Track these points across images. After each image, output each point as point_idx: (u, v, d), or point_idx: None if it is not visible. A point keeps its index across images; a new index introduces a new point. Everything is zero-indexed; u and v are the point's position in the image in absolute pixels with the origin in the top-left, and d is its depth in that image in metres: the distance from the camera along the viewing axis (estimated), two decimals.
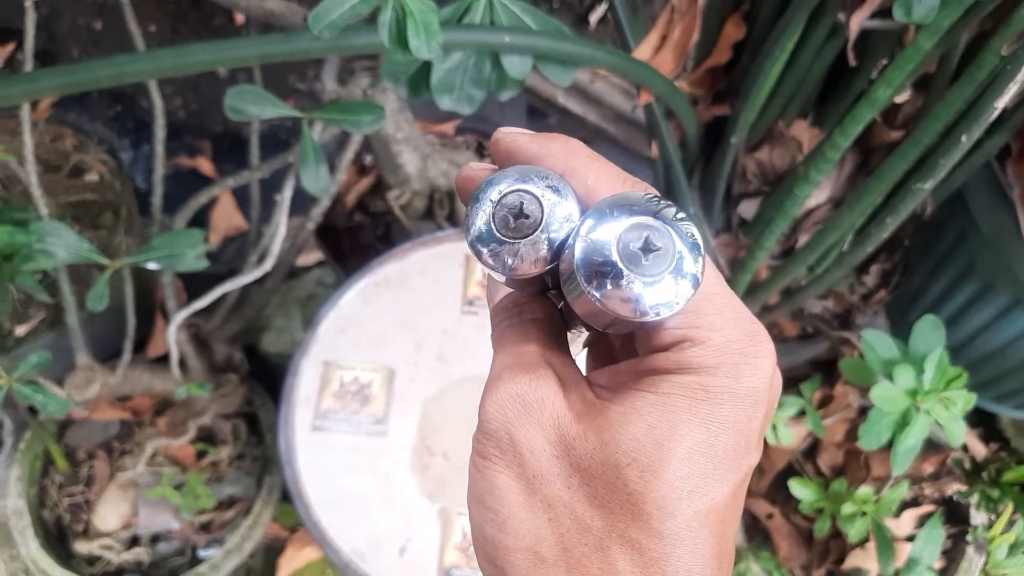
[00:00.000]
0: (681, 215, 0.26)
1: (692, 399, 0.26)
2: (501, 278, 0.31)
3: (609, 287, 0.26)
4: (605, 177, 0.29)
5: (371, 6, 0.57)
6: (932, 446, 1.03)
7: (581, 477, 0.27)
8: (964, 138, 0.71)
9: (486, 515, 0.28)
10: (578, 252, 0.26)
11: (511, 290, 0.34)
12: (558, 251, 0.28)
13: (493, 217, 0.28)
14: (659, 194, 0.27)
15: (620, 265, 0.26)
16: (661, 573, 0.26)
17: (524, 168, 0.28)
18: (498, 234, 0.28)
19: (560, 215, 0.27)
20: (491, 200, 0.28)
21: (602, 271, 0.26)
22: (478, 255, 0.28)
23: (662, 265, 0.25)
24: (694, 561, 0.26)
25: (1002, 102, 0.68)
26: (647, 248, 0.26)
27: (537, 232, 0.27)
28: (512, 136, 0.30)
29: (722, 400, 0.26)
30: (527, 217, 0.28)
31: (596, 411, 0.28)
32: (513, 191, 0.28)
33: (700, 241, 0.26)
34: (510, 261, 0.28)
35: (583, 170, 0.29)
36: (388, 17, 0.58)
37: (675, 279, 0.25)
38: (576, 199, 0.28)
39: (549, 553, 0.27)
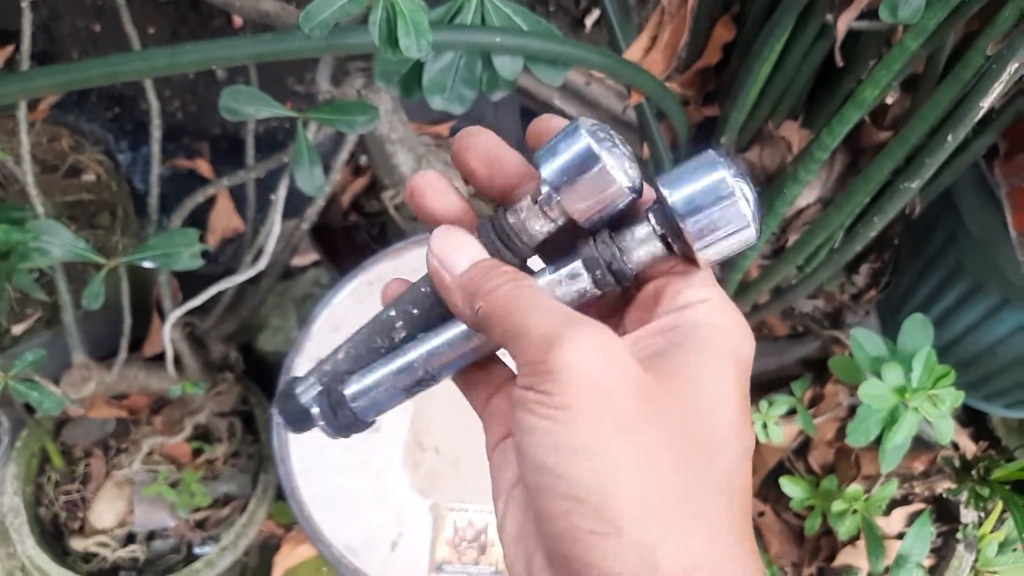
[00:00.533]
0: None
1: (725, 356, 0.30)
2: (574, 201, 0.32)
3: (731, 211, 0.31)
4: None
5: (362, 5, 0.58)
6: (922, 445, 1.04)
7: (664, 425, 0.27)
8: (950, 137, 0.72)
9: (591, 465, 0.26)
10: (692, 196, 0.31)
11: (472, 261, 0.33)
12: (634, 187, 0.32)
13: (591, 137, 0.31)
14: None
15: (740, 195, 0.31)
16: (742, 508, 0.28)
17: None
18: (598, 150, 0.31)
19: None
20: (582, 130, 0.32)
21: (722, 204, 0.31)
22: (569, 167, 0.31)
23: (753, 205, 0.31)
24: (746, 491, 0.29)
25: (987, 101, 0.69)
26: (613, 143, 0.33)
27: (622, 153, 0.32)
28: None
29: (741, 345, 0.31)
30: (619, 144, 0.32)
31: (650, 364, 0.29)
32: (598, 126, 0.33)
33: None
34: (626, 165, 0.32)
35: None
36: (378, 16, 0.59)
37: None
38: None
39: (661, 498, 0.26)
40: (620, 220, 0.33)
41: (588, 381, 0.27)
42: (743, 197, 0.30)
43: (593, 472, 0.26)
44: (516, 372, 0.29)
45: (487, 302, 0.31)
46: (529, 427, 0.28)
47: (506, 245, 0.34)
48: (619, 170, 0.31)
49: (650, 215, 0.32)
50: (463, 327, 0.34)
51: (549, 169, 0.31)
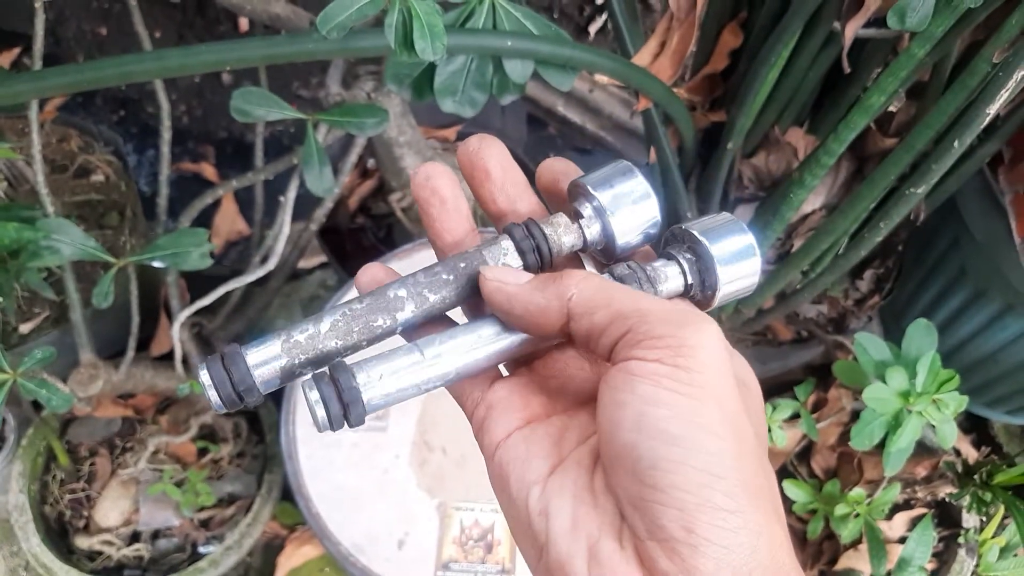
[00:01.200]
0: None
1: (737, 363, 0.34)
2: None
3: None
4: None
5: (378, 7, 0.59)
6: (924, 450, 1.05)
7: (748, 418, 0.30)
8: (956, 144, 0.72)
9: (722, 445, 0.27)
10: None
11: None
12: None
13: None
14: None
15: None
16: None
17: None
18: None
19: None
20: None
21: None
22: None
23: None
24: None
25: (993, 108, 0.69)
26: None
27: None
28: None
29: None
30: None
31: None
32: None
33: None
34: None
35: None
36: (395, 19, 0.59)
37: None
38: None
39: (753, 471, 0.28)
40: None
41: (721, 365, 0.29)
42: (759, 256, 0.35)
43: (729, 451, 0.27)
44: (628, 350, 0.29)
45: (580, 290, 0.31)
46: (664, 402, 0.28)
47: (537, 247, 0.35)
48: (659, 208, 0.35)
49: (679, 257, 0.35)
50: (496, 327, 0.34)
51: (604, 195, 0.35)
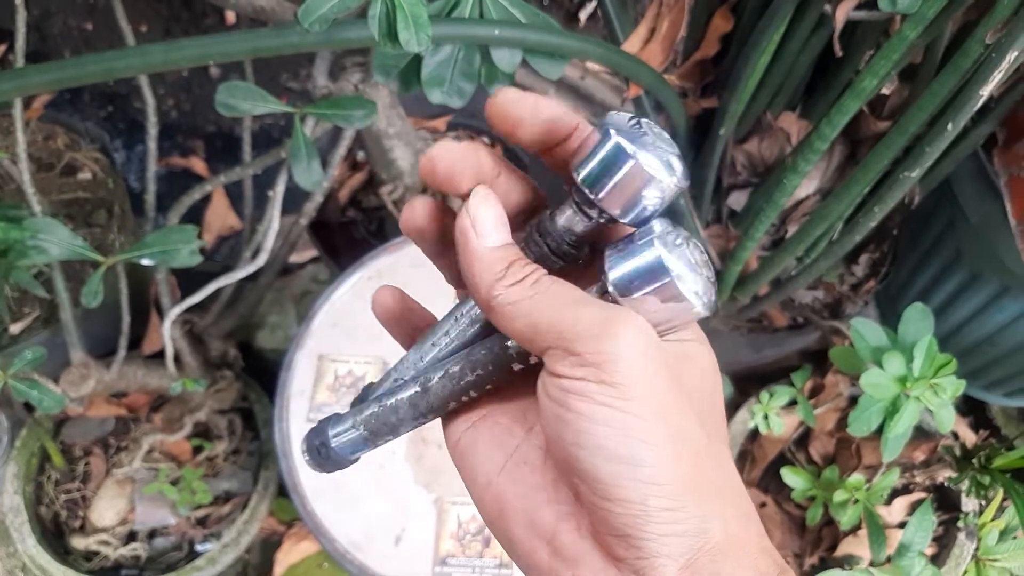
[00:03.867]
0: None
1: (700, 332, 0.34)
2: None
3: (685, 283, 0.30)
4: None
5: None
6: (923, 434, 1.04)
7: (687, 400, 0.30)
8: (950, 126, 0.71)
9: (661, 453, 0.28)
10: (663, 252, 0.30)
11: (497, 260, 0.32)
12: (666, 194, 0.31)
13: (625, 134, 0.30)
14: None
15: (692, 264, 0.31)
16: (730, 473, 0.31)
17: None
18: (631, 146, 0.30)
19: (673, 149, 0.32)
20: (632, 121, 0.31)
21: (680, 266, 0.30)
22: (611, 161, 0.30)
23: (709, 272, 0.32)
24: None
25: (987, 90, 0.68)
26: (699, 257, 0.32)
27: (668, 152, 0.31)
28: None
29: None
30: (659, 135, 0.31)
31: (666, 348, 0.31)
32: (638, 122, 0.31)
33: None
34: (655, 160, 0.30)
35: None
36: (378, 10, 0.58)
37: (711, 285, 0.32)
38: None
39: (704, 471, 0.29)
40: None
41: (646, 368, 0.28)
42: (686, 274, 0.30)
43: (670, 459, 0.28)
44: (554, 366, 0.29)
45: (517, 291, 0.31)
46: (600, 419, 0.28)
47: (549, 247, 0.33)
48: (657, 167, 0.30)
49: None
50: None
51: (584, 172, 0.31)
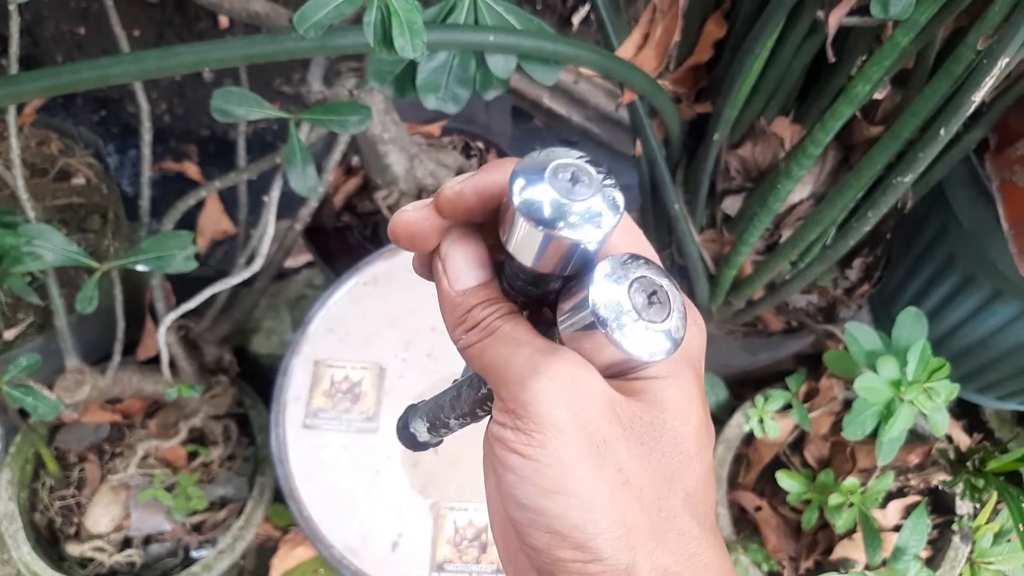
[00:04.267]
0: (668, 274, 0.30)
1: (684, 364, 0.31)
2: (533, 253, 0.29)
3: (619, 327, 0.28)
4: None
5: (356, 6, 0.58)
6: (917, 437, 1.05)
7: (634, 438, 0.29)
8: (942, 131, 0.72)
9: (568, 503, 0.27)
10: (595, 291, 0.28)
11: (466, 294, 0.32)
12: (600, 241, 0.28)
13: (549, 178, 0.28)
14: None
15: (633, 310, 0.28)
16: (707, 514, 0.30)
17: (560, 150, 0.30)
18: (556, 193, 0.28)
19: (608, 189, 0.29)
20: (546, 164, 0.28)
21: (615, 311, 0.28)
22: (530, 211, 0.27)
23: (663, 314, 0.29)
24: (713, 501, 0.31)
25: (978, 96, 0.69)
26: (651, 300, 0.29)
27: (592, 196, 0.28)
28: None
29: (693, 345, 0.31)
30: (583, 180, 0.28)
31: (624, 387, 0.30)
32: (568, 160, 0.29)
33: (684, 302, 0.30)
34: (563, 223, 0.28)
35: None
36: (373, 17, 0.59)
37: (670, 328, 0.29)
38: (618, 187, 0.30)
39: (635, 519, 0.28)
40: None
41: (562, 416, 0.28)
42: (625, 319, 0.28)
43: (574, 508, 0.27)
44: (493, 407, 0.30)
45: (473, 335, 0.31)
46: (509, 465, 0.28)
47: (511, 285, 0.32)
48: (578, 226, 0.28)
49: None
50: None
51: (507, 242, 0.29)
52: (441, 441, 0.41)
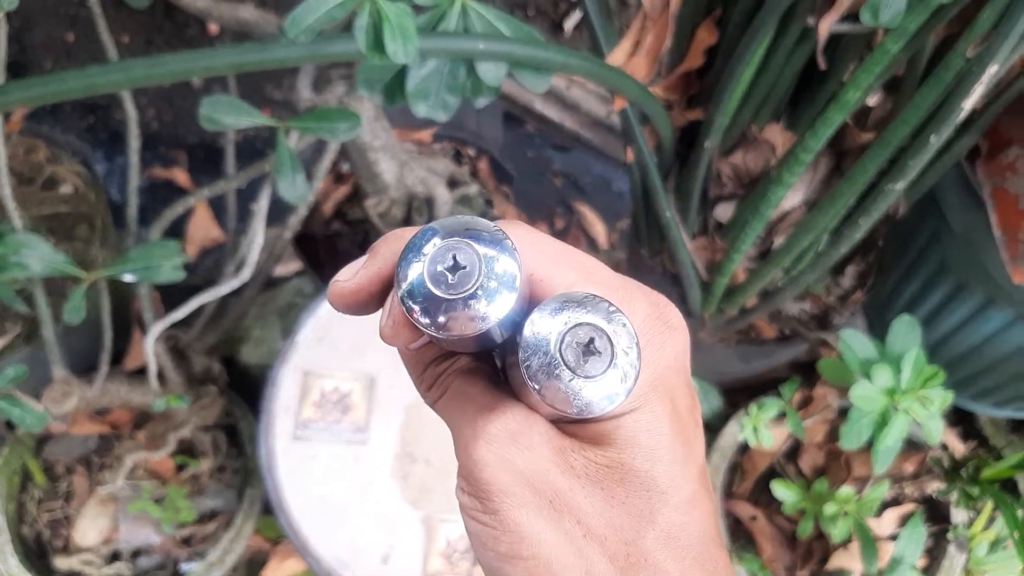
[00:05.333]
0: (614, 310, 0.27)
1: (654, 394, 0.28)
2: (432, 336, 0.28)
3: (551, 384, 0.26)
4: (544, 255, 0.29)
5: (347, 10, 0.57)
6: (912, 446, 1.04)
7: (592, 485, 0.27)
8: (933, 138, 0.72)
9: (528, 567, 0.26)
10: (522, 349, 0.26)
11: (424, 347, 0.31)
12: (505, 321, 0.26)
13: (426, 270, 0.26)
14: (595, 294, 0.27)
15: (563, 365, 0.26)
16: (695, 543, 0.28)
17: (461, 220, 0.27)
18: (433, 289, 0.26)
19: (499, 270, 0.26)
20: (424, 253, 0.27)
21: (545, 369, 0.26)
22: (409, 312, 0.26)
23: (602, 365, 0.26)
24: (707, 520, 0.29)
25: (969, 103, 0.69)
26: (589, 349, 0.26)
27: (474, 287, 0.26)
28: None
29: (668, 363, 0.29)
30: (464, 268, 0.26)
31: (574, 424, 0.28)
32: (451, 242, 0.27)
33: (635, 334, 0.27)
34: (443, 320, 0.26)
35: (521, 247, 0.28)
36: (365, 22, 0.58)
37: (614, 377, 0.26)
38: (515, 256, 0.27)
39: (601, 570, 0.27)
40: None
41: (506, 480, 0.27)
42: (552, 379, 0.26)
43: (535, 570, 0.26)
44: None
45: (433, 393, 0.30)
46: (469, 531, 0.28)
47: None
48: (469, 308, 0.26)
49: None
50: None
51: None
52: None
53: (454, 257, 0.26)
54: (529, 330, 0.27)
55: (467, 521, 0.28)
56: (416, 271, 0.26)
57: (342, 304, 0.30)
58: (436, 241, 0.27)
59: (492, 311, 0.26)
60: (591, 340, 0.26)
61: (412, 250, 0.27)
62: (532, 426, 0.28)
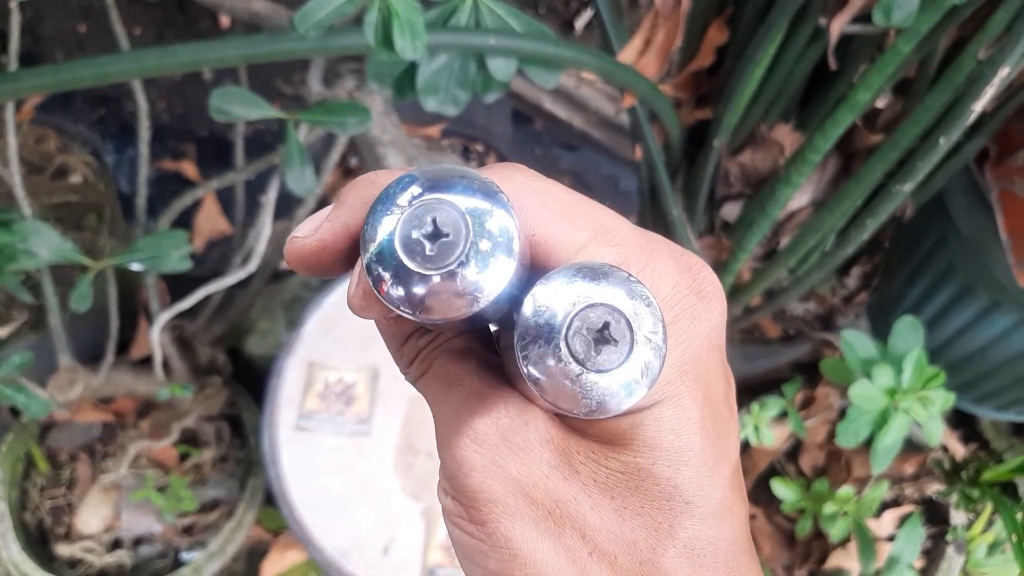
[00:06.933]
0: (636, 284, 0.22)
1: (682, 384, 0.24)
2: (407, 317, 0.22)
3: (554, 379, 0.22)
4: (548, 209, 0.23)
5: (357, 6, 0.58)
6: (912, 447, 1.04)
7: (601, 493, 0.23)
8: (942, 140, 0.72)
9: None
10: (520, 334, 0.22)
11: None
12: (500, 298, 0.22)
13: (398, 235, 0.21)
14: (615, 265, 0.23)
15: (570, 357, 0.21)
16: (713, 563, 0.24)
17: (445, 169, 0.22)
18: (406, 261, 0.21)
19: (492, 232, 0.21)
20: (398, 207, 0.21)
21: (547, 360, 0.22)
22: (376, 284, 0.21)
23: (619, 356, 0.21)
24: (738, 528, 0.25)
25: (979, 105, 0.69)
26: (603, 336, 0.22)
27: (457, 260, 0.21)
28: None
29: (709, 367, 0.24)
30: (446, 237, 0.21)
31: (583, 421, 0.24)
32: (429, 199, 0.21)
33: (661, 315, 0.22)
34: (419, 298, 0.21)
35: (520, 199, 0.23)
36: (374, 17, 0.58)
37: (633, 369, 0.22)
38: (512, 214, 0.22)
39: None
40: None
41: (496, 488, 0.23)
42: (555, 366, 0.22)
43: None
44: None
45: (414, 370, 0.26)
46: (454, 539, 0.24)
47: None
48: (456, 281, 0.21)
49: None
50: None
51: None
52: None
53: (434, 221, 0.21)
54: (528, 310, 0.22)
55: (451, 529, 0.24)
56: (386, 231, 0.21)
57: (300, 265, 0.25)
58: (414, 191, 0.21)
59: (483, 289, 0.21)
60: (606, 325, 0.21)
61: (384, 202, 0.21)
62: (529, 422, 0.23)
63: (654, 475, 0.23)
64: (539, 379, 0.21)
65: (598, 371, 0.21)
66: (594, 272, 0.22)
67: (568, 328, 0.21)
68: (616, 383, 0.21)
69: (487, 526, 0.22)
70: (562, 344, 0.21)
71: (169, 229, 0.97)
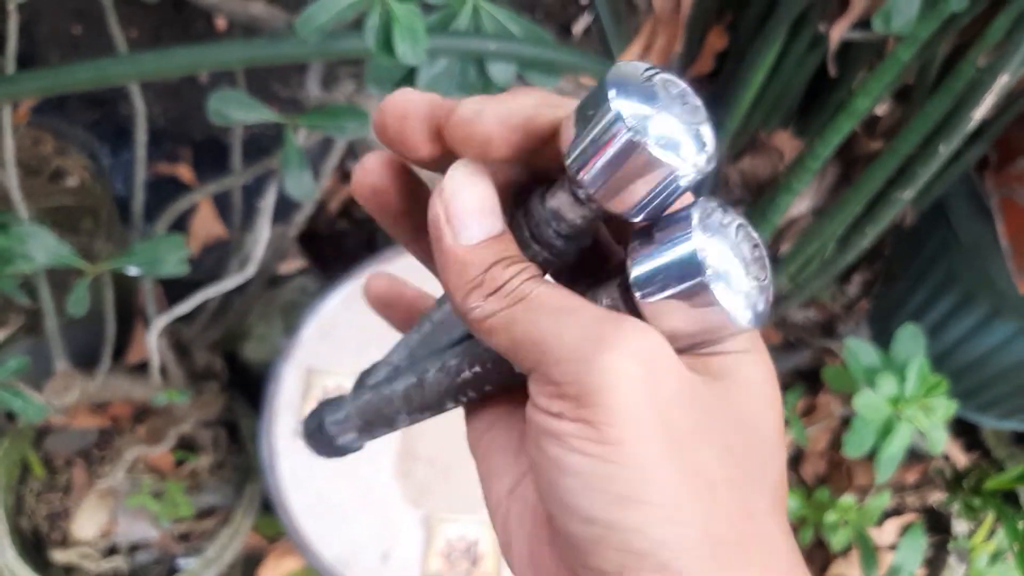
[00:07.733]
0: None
1: (758, 334, 0.26)
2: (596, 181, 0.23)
3: (730, 289, 0.22)
4: None
5: (357, 10, 0.57)
6: (914, 456, 1.04)
7: (714, 429, 0.23)
8: (942, 148, 0.72)
9: (647, 514, 0.21)
10: (700, 244, 0.22)
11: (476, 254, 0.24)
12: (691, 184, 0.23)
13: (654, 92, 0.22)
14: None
15: (739, 262, 0.23)
16: (785, 518, 0.24)
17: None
18: (672, 117, 0.22)
19: (702, 133, 0.23)
20: (658, 81, 0.22)
21: (725, 272, 0.22)
22: (637, 140, 0.22)
23: (764, 272, 0.23)
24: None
25: (979, 112, 0.69)
26: (755, 253, 0.23)
27: (707, 123, 0.23)
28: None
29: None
30: (691, 105, 0.23)
31: (697, 365, 0.24)
32: (675, 80, 0.23)
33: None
34: (684, 143, 0.22)
35: None
36: (375, 22, 0.58)
37: (760, 292, 0.23)
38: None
39: (721, 532, 0.22)
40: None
41: (641, 404, 0.22)
42: (729, 272, 0.22)
43: (657, 520, 0.22)
44: (533, 393, 0.24)
45: (494, 302, 0.24)
46: (570, 468, 0.22)
47: (533, 235, 0.25)
48: (674, 149, 0.22)
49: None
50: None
51: (574, 157, 0.23)
52: (362, 447, 0.35)
53: (682, 92, 0.23)
54: (700, 218, 0.23)
55: (566, 456, 0.22)
56: (643, 89, 0.22)
57: (397, 113, 0.25)
58: (655, 73, 0.23)
59: (708, 153, 0.23)
60: (756, 243, 0.23)
61: (631, 69, 0.23)
62: (666, 347, 0.23)
63: (754, 415, 0.24)
64: (719, 281, 0.22)
65: (754, 278, 0.23)
66: (730, 208, 0.24)
67: (736, 235, 0.23)
68: (762, 295, 0.23)
69: (623, 446, 0.22)
70: (736, 249, 0.22)
71: (166, 233, 0.96)
